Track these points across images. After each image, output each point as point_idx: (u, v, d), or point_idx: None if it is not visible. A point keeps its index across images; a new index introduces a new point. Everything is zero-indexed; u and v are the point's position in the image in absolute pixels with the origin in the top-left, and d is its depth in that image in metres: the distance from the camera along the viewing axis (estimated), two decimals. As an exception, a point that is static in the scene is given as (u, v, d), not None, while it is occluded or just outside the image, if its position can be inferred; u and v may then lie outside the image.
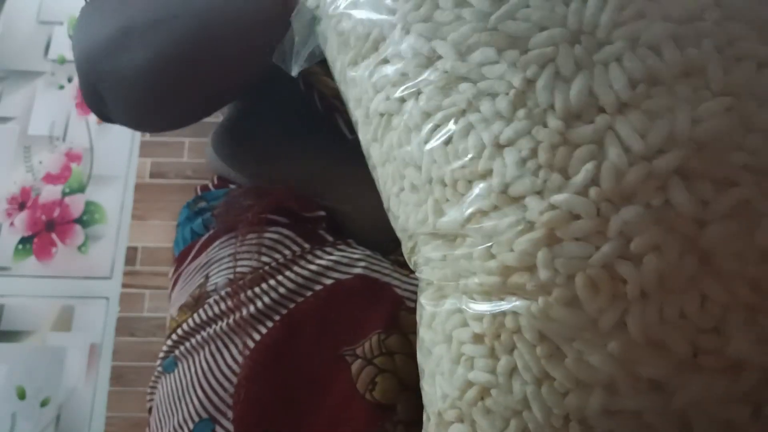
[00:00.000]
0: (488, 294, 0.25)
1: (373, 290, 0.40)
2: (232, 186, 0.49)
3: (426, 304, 0.29)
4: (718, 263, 0.23)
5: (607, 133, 0.23)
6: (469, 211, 0.25)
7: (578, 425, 0.23)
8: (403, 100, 0.28)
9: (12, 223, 1.30)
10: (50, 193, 1.32)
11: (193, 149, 1.30)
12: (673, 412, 0.23)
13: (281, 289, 0.40)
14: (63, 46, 1.42)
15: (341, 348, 0.38)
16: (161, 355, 0.43)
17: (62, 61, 1.41)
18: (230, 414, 0.37)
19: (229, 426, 0.37)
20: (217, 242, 0.44)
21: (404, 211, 0.29)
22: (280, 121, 0.48)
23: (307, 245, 0.42)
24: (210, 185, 0.51)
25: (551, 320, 0.23)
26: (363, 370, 0.37)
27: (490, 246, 0.25)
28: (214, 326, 0.40)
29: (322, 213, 0.44)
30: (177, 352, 0.42)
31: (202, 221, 0.47)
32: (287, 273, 0.40)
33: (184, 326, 0.41)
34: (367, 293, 0.40)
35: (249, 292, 0.40)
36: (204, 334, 0.40)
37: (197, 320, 0.41)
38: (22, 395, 1.19)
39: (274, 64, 0.34)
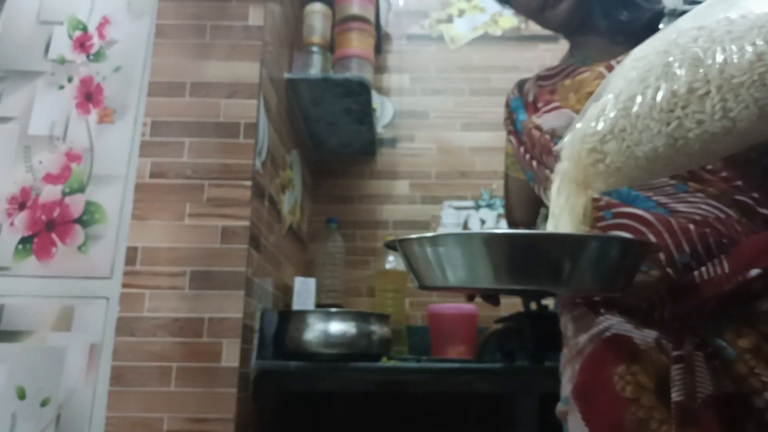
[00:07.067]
0: None
1: (619, 341, 0.74)
2: None
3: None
4: None
5: None
6: None
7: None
8: None
9: (12, 223, 1.30)
10: (50, 193, 1.32)
11: (193, 149, 1.30)
12: None
13: (576, 348, 0.80)
14: (63, 46, 1.42)
15: (611, 372, 0.73)
16: None
17: (62, 61, 1.41)
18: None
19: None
20: None
21: None
22: None
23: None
24: None
25: None
26: (618, 382, 0.72)
27: None
28: None
29: (598, 298, 0.79)
30: None
31: None
32: (581, 337, 0.80)
33: None
34: (615, 343, 0.74)
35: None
36: None
37: None
38: (22, 395, 1.19)
39: None
